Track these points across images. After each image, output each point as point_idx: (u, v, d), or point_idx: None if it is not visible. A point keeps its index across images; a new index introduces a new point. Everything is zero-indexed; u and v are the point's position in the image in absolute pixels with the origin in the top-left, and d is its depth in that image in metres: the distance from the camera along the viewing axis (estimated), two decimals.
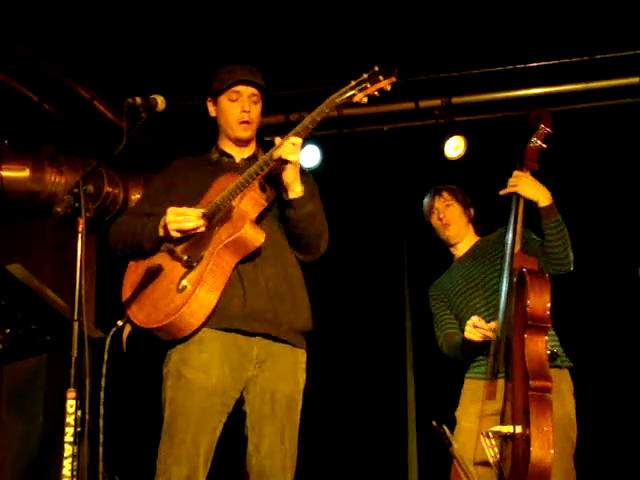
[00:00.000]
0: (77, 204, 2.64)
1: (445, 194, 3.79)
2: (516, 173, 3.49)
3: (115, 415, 3.00)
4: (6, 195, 5.19)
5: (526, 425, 2.97)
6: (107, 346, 2.94)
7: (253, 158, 3.15)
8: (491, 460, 3.18)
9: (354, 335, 5.51)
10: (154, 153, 5.68)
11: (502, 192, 3.50)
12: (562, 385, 3.35)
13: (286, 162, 2.90)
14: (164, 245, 3.03)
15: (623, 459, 4.79)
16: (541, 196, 3.41)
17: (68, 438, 2.52)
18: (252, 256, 2.98)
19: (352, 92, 2.86)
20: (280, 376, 3.01)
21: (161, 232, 3.00)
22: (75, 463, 2.51)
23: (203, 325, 2.94)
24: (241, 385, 2.98)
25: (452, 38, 4.72)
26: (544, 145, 3.45)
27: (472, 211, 3.82)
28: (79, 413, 2.54)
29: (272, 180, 3.02)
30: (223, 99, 3.12)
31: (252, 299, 2.96)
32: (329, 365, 3.14)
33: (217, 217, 2.97)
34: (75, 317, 2.59)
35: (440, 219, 3.76)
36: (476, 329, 3.37)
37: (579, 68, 4.93)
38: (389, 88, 2.88)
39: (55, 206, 2.66)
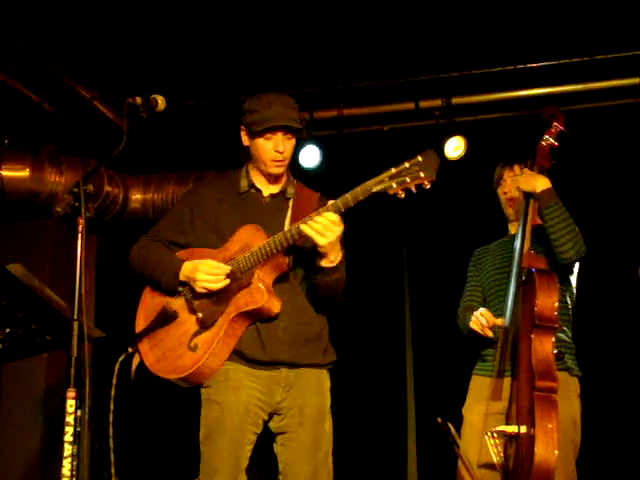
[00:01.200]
0: (77, 204, 2.65)
1: (516, 168, 3.67)
2: (523, 171, 3.50)
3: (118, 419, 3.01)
4: (6, 195, 5.19)
5: (531, 425, 2.97)
6: (116, 371, 2.99)
7: (281, 194, 3.15)
8: (495, 460, 3.17)
9: (354, 333, 5.50)
10: (154, 153, 5.68)
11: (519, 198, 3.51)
12: (568, 387, 3.33)
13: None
14: (182, 289, 3.07)
15: (627, 464, 4.77)
16: (535, 184, 3.38)
17: (68, 438, 2.53)
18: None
19: (390, 183, 2.70)
20: (307, 393, 3.04)
21: (182, 278, 3.04)
22: (75, 463, 2.51)
23: (207, 378, 3.01)
24: (270, 408, 3.02)
25: (452, 38, 4.71)
26: (556, 143, 3.43)
27: None
28: (79, 413, 2.54)
29: (299, 249, 2.98)
30: (258, 137, 3.04)
31: (271, 348, 3.00)
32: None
33: (237, 277, 2.97)
34: (75, 317, 2.59)
35: (505, 193, 3.67)
36: (481, 321, 3.35)
37: (579, 68, 4.92)
38: (428, 187, 2.69)
39: (55, 206, 2.67)
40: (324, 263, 2.92)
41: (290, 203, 3.12)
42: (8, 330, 2.95)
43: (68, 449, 2.52)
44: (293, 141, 3.08)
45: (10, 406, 5.28)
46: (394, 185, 2.69)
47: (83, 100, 5.10)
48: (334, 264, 2.92)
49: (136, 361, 3.08)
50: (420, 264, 5.57)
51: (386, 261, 5.69)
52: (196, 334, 3.00)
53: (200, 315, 3.01)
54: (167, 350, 3.04)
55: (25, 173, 5.19)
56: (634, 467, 4.72)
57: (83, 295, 2.60)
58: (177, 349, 3.02)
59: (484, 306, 3.56)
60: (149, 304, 3.15)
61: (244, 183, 3.15)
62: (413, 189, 2.69)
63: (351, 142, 5.49)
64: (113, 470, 2.89)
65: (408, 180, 2.67)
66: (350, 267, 3.11)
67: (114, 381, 2.95)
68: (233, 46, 4.74)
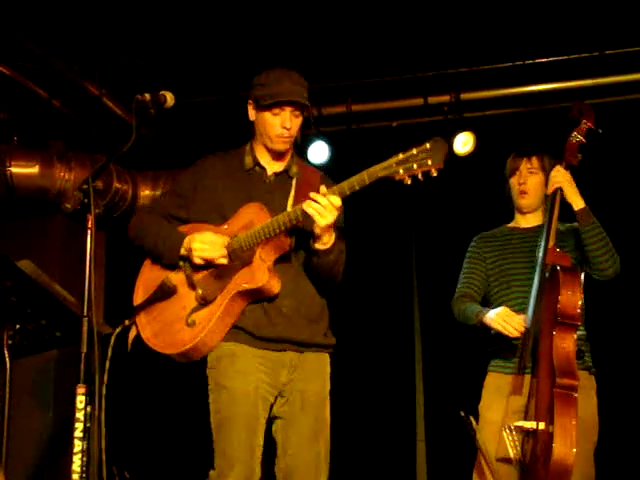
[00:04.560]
0: (86, 200, 2.65)
1: (534, 160, 3.57)
2: (558, 168, 3.42)
3: (122, 412, 3.01)
4: (15, 191, 5.21)
5: (549, 422, 2.97)
6: (112, 342, 2.96)
7: (284, 173, 3.13)
8: (512, 455, 3.16)
9: (361, 332, 5.50)
10: (163, 149, 5.69)
11: (548, 191, 3.43)
12: (587, 385, 3.33)
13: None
14: (183, 264, 3.05)
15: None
16: (576, 200, 3.37)
17: (78, 434, 2.53)
18: None
19: (397, 169, 2.66)
20: (309, 377, 3.04)
21: (182, 252, 3.02)
22: (85, 458, 2.52)
23: (204, 355, 3.01)
24: (276, 390, 3.02)
25: (461, 34, 4.70)
26: (584, 140, 3.40)
27: None
28: (89, 409, 2.55)
29: (300, 230, 2.97)
30: (265, 111, 3.02)
31: (279, 324, 3.00)
32: (335, 362, 3.14)
33: (238, 255, 2.96)
34: (84, 313, 2.60)
35: (520, 184, 3.57)
36: (508, 324, 3.29)
37: (589, 64, 4.90)
38: (435, 174, 2.64)
39: (64, 202, 2.67)
40: (318, 245, 2.91)
41: (293, 182, 3.10)
42: (18, 326, 2.96)
43: (78, 445, 2.53)
44: (300, 119, 3.05)
45: (20, 402, 5.29)
46: (401, 171, 2.66)
47: (92, 97, 5.11)
48: (326, 246, 2.91)
49: (133, 333, 3.07)
50: (429, 259, 5.57)
51: (395, 256, 5.69)
52: (195, 310, 2.99)
53: (200, 291, 2.99)
54: (165, 325, 3.02)
55: (34, 170, 5.20)
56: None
57: (92, 291, 2.60)
58: (175, 324, 3.00)
59: (486, 297, 3.55)
60: (148, 277, 3.13)
61: (249, 160, 3.13)
62: (420, 176, 2.66)
63: (360, 138, 5.48)
64: (104, 447, 2.88)
65: (415, 167, 2.64)
66: (359, 260, 3.10)
67: (109, 353, 2.91)
68: (242, 42, 4.74)
